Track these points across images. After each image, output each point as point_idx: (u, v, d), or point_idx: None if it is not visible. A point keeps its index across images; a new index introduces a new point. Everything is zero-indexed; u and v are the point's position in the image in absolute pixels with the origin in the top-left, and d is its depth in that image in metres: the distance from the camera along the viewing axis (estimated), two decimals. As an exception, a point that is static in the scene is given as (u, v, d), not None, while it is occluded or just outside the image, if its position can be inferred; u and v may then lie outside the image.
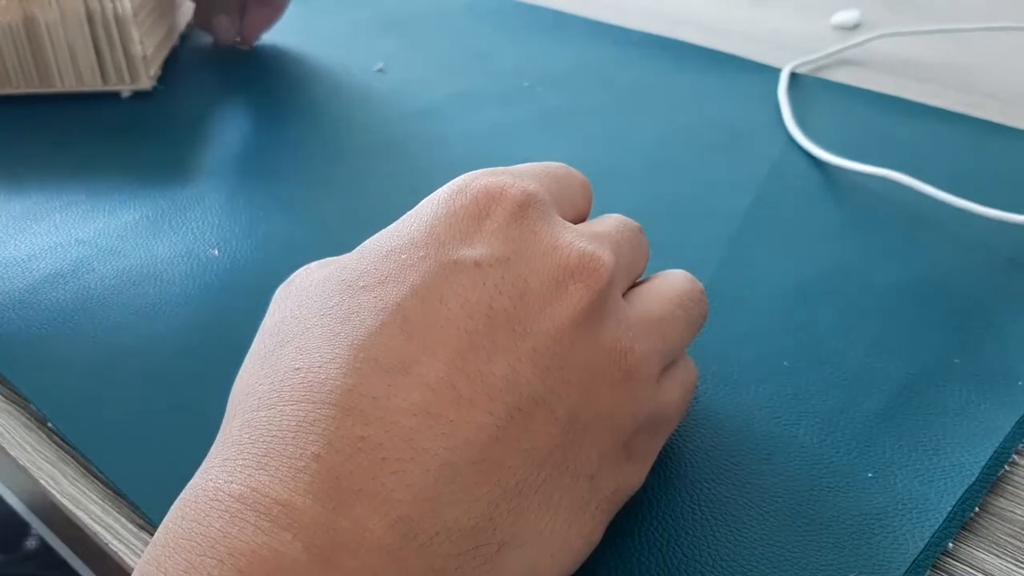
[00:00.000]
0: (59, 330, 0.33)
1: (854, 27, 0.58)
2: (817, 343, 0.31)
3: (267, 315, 0.24)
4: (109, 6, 0.47)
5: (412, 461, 0.18)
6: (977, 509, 0.25)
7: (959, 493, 0.25)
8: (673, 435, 0.27)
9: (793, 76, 0.51)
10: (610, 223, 0.25)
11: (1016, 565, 0.24)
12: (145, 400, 0.29)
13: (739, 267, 0.35)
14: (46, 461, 0.28)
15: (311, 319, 0.21)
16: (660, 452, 0.26)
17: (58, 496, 0.27)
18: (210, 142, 0.46)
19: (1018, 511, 0.25)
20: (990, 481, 0.26)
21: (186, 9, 0.59)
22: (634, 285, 0.25)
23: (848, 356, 0.30)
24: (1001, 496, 0.26)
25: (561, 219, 0.23)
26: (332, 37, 0.59)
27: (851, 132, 0.45)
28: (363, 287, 0.21)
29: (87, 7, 0.47)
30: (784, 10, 0.61)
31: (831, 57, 0.53)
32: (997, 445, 0.27)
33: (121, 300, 0.34)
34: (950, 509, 0.25)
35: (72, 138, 0.47)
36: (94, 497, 0.27)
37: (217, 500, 0.18)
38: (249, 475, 0.18)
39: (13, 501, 0.34)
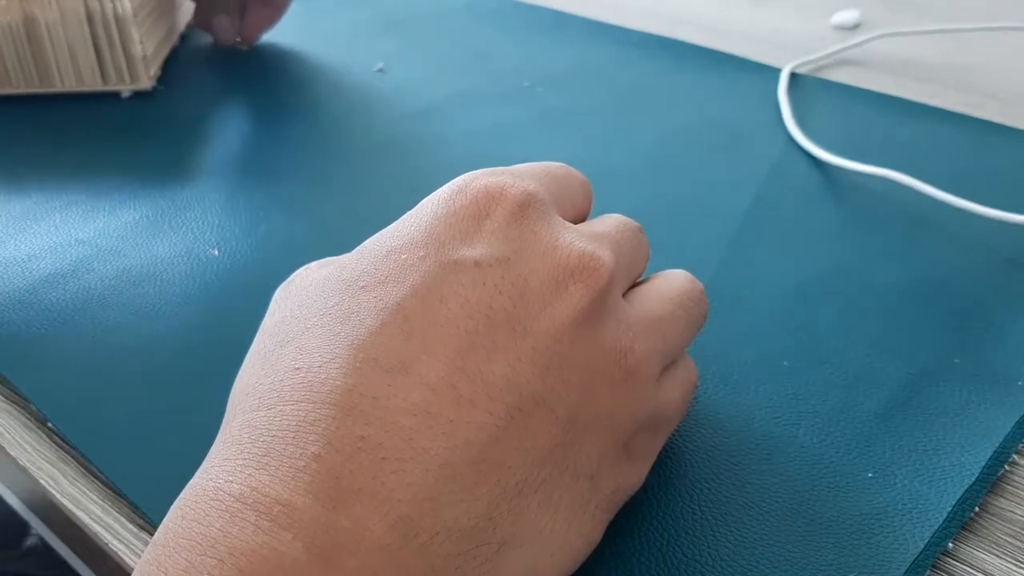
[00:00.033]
0: (59, 330, 0.33)
1: (854, 27, 0.58)
2: (817, 343, 0.31)
3: (267, 315, 0.24)
4: (109, 6, 0.47)
5: (412, 461, 0.18)
6: (977, 509, 0.25)
7: (959, 493, 0.25)
8: (673, 435, 0.27)
9: (793, 76, 0.51)
10: (610, 223, 0.25)
11: (1016, 565, 0.24)
12: (145, 400, 0.29)
13: (739, 267, 0.35)
14: (46, 461, 0.28)
15: (311, 319, 0.21)
16: (660, 452, 0.26)
17: (58, 496, 0.27)
18: (210, 142, 0.46)
19: (1018, 511, 0.25)
20: (990, 481, 0.26)
21: (186, 9, 0.59)
22: (634, 285, 0.25)
23: (848, 356, 0.30)
24: (1001, 496, 0.26)
25: (561, 219, 0.23)
26: (332, 37, 0.59)
27: (851, 132, 0.45)
28: (363, 287, 0.21)
29: (87, 7, 0.47)
30: (784, 10, 0.61)
31: (831, 57, 0.53)
32: (997, 445, 0.27)
33: (121, 300, 0.34)
34: (950, 509, 0.25)
35: (72, 138, 0.47)
36: (94, 497, 0.27)
37: (217, 500, 0.18)
38: (249, 475, 0.18)
39: (13, 501, 0.34)
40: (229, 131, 0.47)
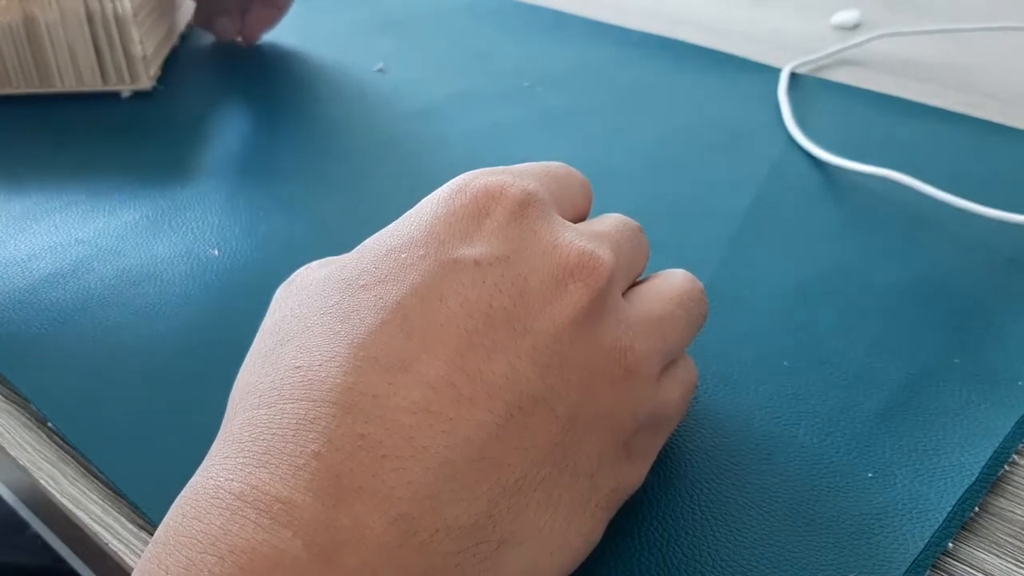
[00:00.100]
0: (59, 330, 0.33)
1: (854, 27, 0.58)
2: (817, 343, 0.31)
3: (267, 314, 0.24)
4: (109, 6, 0.47)
5: (412, 459, 0.18)
6: (977, 509, 0.25)
7: (959, 493, 0.25)
8: (673, 435, 0.27)
9: (793, 76, 0.51)
10: (610, 222, 0.25)
11: (1016, 565, 0.24)
12: (145, 400, 0.29)
13: (739, 267, 0.35)
14: (46, 461, 0.28)
15: (311, 318, 0.21)
16: (660, 452, 0.26)
17: (58, 496, 0.27)
18: (210, 142, 0.46)
19: (1018, 511, 0.25)
20: (990, 481, 0.26)
21: (186, 9, 0.59)
22: (634, 284, 0.25)
23: (848, 356, 0.30)
24: (1001, 496, 0.26)
25: (561, 218, 0.23)
26: (332, 37, 0.59)
27: (851, 132, 0.45)
28: (363, 286, 0.21)
29: (87, 7, 0.47)
30: (784, 10, 0.61)
31: (831, 57, 0.53)
32: (997, 445, 0.27)
33: (121, 300, 0.34)
34: (950, 509, 0.25)
35: (72, 138, 0.47)
36: (94, 497, 0.27)
37: (218, 498, 0.18)
38: (249, 473, 0.18)
39: (13, 501, 0.34)
40: (229, 131, 0.47)
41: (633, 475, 0.23)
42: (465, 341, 0.20)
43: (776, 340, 0.31)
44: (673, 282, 0.25)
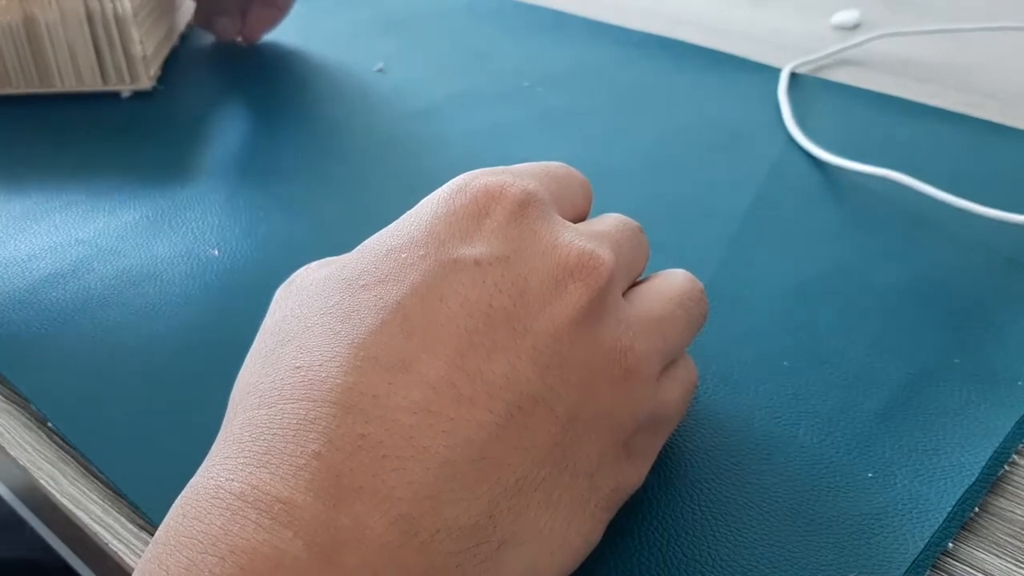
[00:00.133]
0: (59, 330, 0.33)
1: (854, 27, 0.58)
2: (817, 343, 0.31)
3: (268, 314, 0.24)
4: (109, 6, 0.47)
5: (412, 459, 0.18)
6: (977, 509, 0.25)
7: (959, 493, 0.25)
8: (673, 435, 0.27)
9: (793, 76, 0.51)
10: (610, 222, 0.25)
11: (1016, 565, 0.24)
12: (145, 400, 0.29)
13: (739, 267, 0.35)
14: (46, 461, 0.28)
15: (311, 318, 0.21)
16: (660, 452, 0.26)
17: (58, 496, 0.27)
18: (210, 142, 0.46)
19: (1018, 511, 0.25)
20: (990, 481, 0.26)
21: (186, 9, 0.59)
22: (634, 284, 0.25)
23: (848, 356, 0.30)
24: (1001, 496, 0.26)
25: (561, 218, 0.23)
26: (332, 37, 0.59)
27: (851, 132, 0.45)
28: (363, 286, 0.21)
29: (87, 7, 0.47)
30: (784, 10, 0.61)
31: (831, 57, 0.53)
32: (997, 445, 0.27)
33: (121, 300, 0.34)
34: (950, 509, 0.25)
35: (72, 138, 0.47)
36: (94, 497, 0.27)
37: (218, 498, 0.18)
38: (250, 473, 0.18)
39: (13, 501, 0.34)
40: (229, 131, 0.47)
41: (633, 475, 0.23)
42: (465, 341, 0.20)
43: (776, 340, 0.31)
44: (673, 282, 0.25)
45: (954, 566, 0.24)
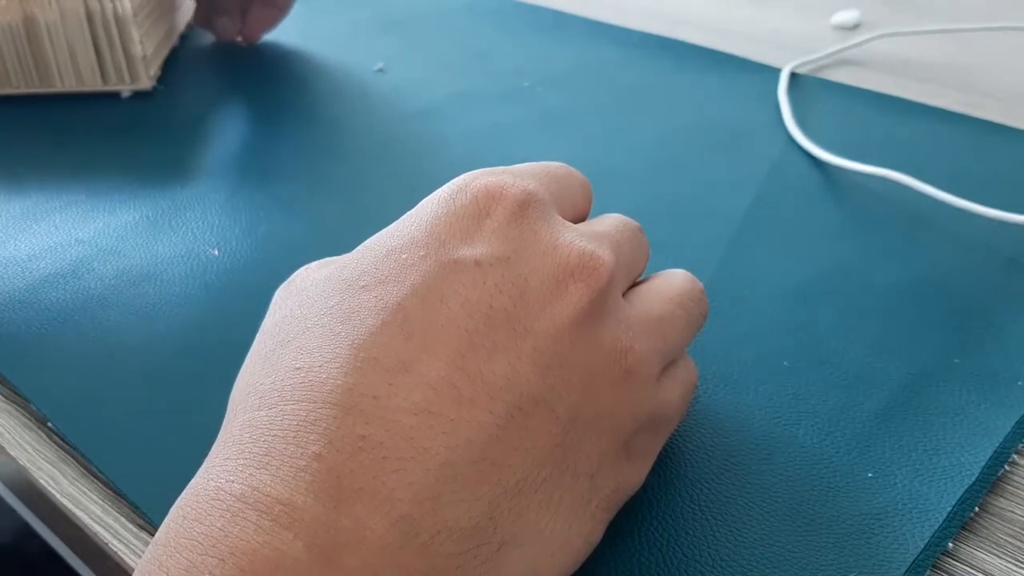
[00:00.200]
0: (59, 330, 0.33)
1: (854, 27, 0.58)
2: (817, 343, 0.31)
3: (268, 315, 0.24)
4: (109, 6, 0.47)
5: (413, 460, 0.18)
6: (977, 509, 0.25)
7: (959, 493, 0.25)
8: (673, 435, 0.27)
9: (793, 76, 0.51)
10: (610, 223, 0.25)
11: (1016, 565, 0.24)
12: (145, 400, 0.29)
13: (739, 267, 0.35)
14: (46, 461, 0.28)
15: (311, 319, 0.21)
16: (660, 452, 0.26)
17: (58, 496, 0.27)
18: (210, 142, 0.46)
19: (1018, 511, 0.25)
20: (990, 481, 0.26)
21: (186, 9, 0.59)
22: (634, 285, 0.25)
23: (848, 356, 0.30)
24: (1001, 496, 0.26)
25: (561, 219, 0.23)
26: (332, 37, 0.59)
27: (851, 132, 0.45)
28: (363, 287, 0.21)
29: (87, 7, 0.47)
30: (784, 10, 0.61)
31: (831, 57, 0.53)
32: (997, 445, 0.27)
33: (121, 300, 0.34)
34: (950, 509, 0.25)
35: (72, 138, 0.47)
36: (94, 497, 0.27)
37: (218, 499, 0.18)
38: (250, 474, 0.18)
39: (13, 501, 0.34)
40: (229, 131, 0.47)
41: (633, 475, 0.23)
42: (466, 342, 0.20)
43: (776, 340, 0.31)
44: (673, 282, 0.25)
45: (954, 566, 0.24)
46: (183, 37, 0.59)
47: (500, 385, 0.20)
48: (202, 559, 0.17)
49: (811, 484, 0.26)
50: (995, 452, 0.26)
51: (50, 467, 0.28)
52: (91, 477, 0.28)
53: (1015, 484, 0.26)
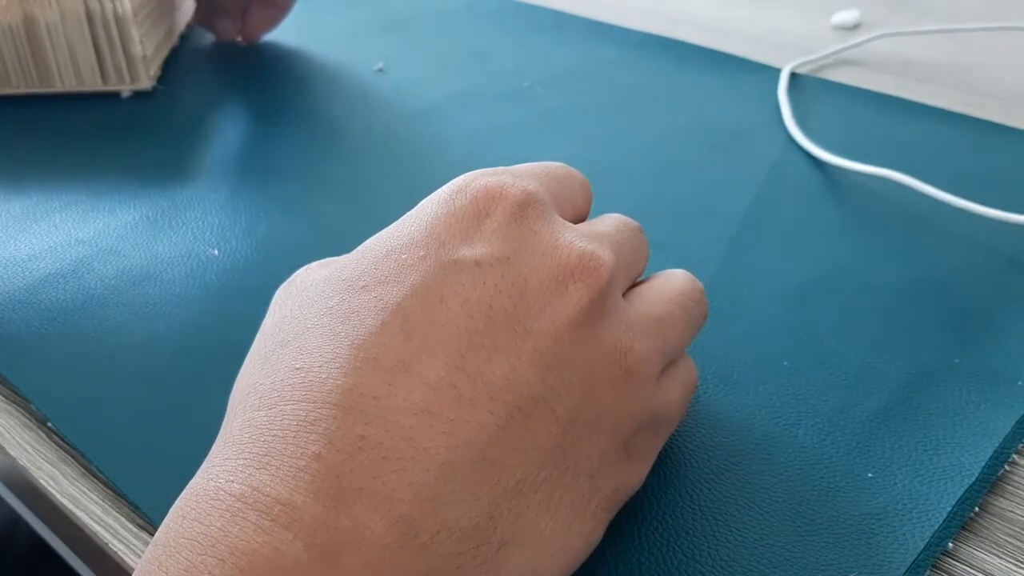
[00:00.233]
0: (59, 330, 0.33)
1: (854, 27, 0.58)
2: (817, 343, 0.31)
3: (268, 315, 0.24)
4: (109, 6, 0.47)
5: (413, 460, 0.18)
6: (977, 509, 0.25)
7: (959, 493, 0.25)
8: (673, 435, 0.27)
9: (793, 76, 0.51)
10: (610, 223, 0.25)
11: (1016, 565, 0.24)
12: (145, 400, 0.29)
13: (739, 267, 0.35)
14: (46, 461, 0.28)
15: (311, 319, 0.21)
16: (660, 452, 0.26)
17: (58, 496, 0.27)
18: (210, 142, 0.46)
19: (1018, 511, 0.25)
20: (990, 481, 0.26)
21: (186, 9, 0.59)
22: (634, 285, 0.25)
23: (848, 356, 0.30)
24: (1001, 496, 0.26)
25: (561, 219, 0.23)
26: (332, 37, 0.59)
27: (851, 132, 0.45)
28: (363, 287, 0.21)
29: (87, 7, 0.47)
30: (784, 10, 0.61)
31: (831, 57, 0.53)
32: (997, 445, 0.27)
33: (121, 300, 0.34)
34: (950, 509, 0.25)
35: (72, 138, 0.47)
36: (94, 497, 0.27)
37: (218, 499, 0.18)
38: (250, 474, 0.18)
39: (13, 501, 0.34)
40: (229, 131, 0.47)
41: (633, 475, 0.23)
42: (465, 342, 0.20)
43: (776, 340, 0.31)
44: (673, 282, 0.25)
45: (954, 566, 0.24)
46: (183, 37, 0.59)
47: (500, 385, 0.20)
48: (202, 559, 0.17)
49: (811, 484, 0.26)
50: (995, 452, 0.26)
51: (50, 467, 0.28)
52: (91, 477, 0.28)
53: (1015, 484, 0.26)
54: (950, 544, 0.24)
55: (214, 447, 0.20)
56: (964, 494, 0.25)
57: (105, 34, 0.48)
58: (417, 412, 0.19)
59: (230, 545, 0.17)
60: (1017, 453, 0.27)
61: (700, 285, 0.26)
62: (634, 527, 0.25)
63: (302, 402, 0.19)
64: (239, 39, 0.58)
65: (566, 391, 0.21)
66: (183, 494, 0.19)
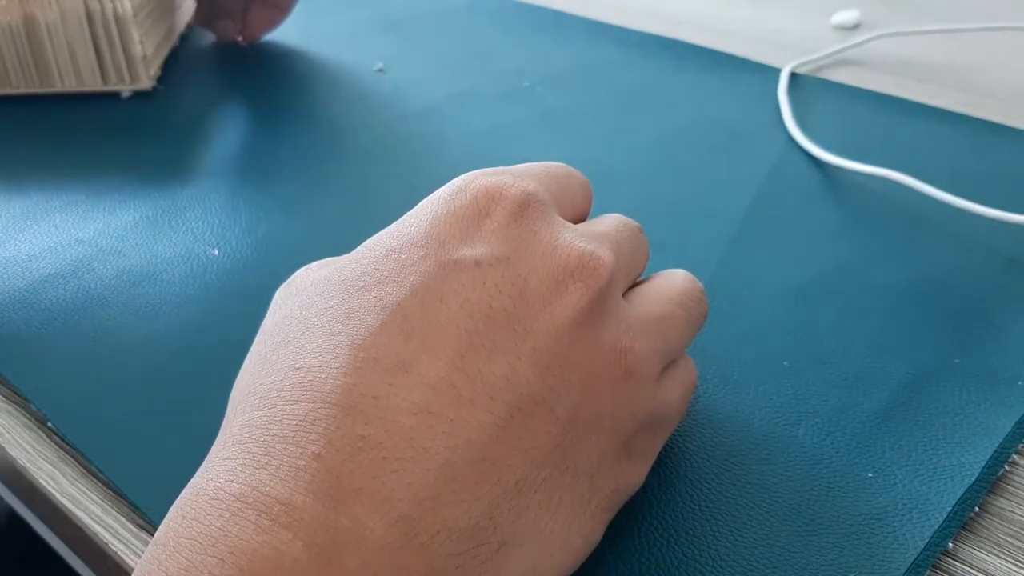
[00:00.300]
0: (59, 330, 0.33)
1: (854, 27, 0.58)
2: (817, 343, 0.31)
3: (268, 315, 0.24)
4: (109, 6, 0.47)
5: (413, 460, 0.18)
6: (977, 509, 0.25)
7: (959, 493, 0.25)
8: (673, 435, 0.27)
9: (793, 76, 0.51)
10: (610, 223, 0.25)
11: (1016, 565, 0.24)
12: (145, 400, 0.29)
13: (739, 267, 0.35)
14: (46, 461, 0.28)
15: (311, 319, 0.21)
16: (660, 452, 0.26)
17: (58, 496, 0.27)
18: (210, 142, 0.46)
19: (1018, 511, 0.25)
20: (990, 481, 0.26)
21: (186, 9, 0.59)
22: (634, 285, 0.25)
23: (848, 356, 0.30)
24: (1001, 496, 0.26)
25: (561, 219, 0.23)
26: (332, 37, 0.59)
27: (851, 132, 0.45)
28: (363, 287, 0.21)
29: (87, 7, 0.47)
30: (784, 10, 0.61)
31: (831, 57, 0.53)
32: (997, 445, 0.27)
33: (121, 300, 0.34)
34: (950, 509, 0.25)
35: (72, 138, 0.47)
36: (94, 497, 0.27)
37: (218, 499, 0.18)
38: (250, 474, 0.18)
39: (13, 501, 0.34)
40: (229, 131, 0.47)
41: (633, 475, 0.23)
42: (465, 342, 0.20)
43: (776, 340, 0.31)
44: (673, 282, 0.25)
45: (954, 566, 0.24)
46: (183, 37, 0.59)
47: (500, 385, 0.20)
48: (201, 559, 0.17)
49: (811, 484, 0.26)
50: (995, 452, 0.26)
51: (50, 467, 0.28)
52: (91, 477, 0.28)
53: (1015, 484, 0.26)
54: (950, 544, 0.24)
55: (214, 447, 0.20)
56: (964, 494, 0.25)
57: (105, 34, 0.48)
58: (417, 412, 0.19)
59: (230, 545, 0.17)
60: (1017, 453, 0.27)
61: (700, 285, 0.26)
62: (634, 527, 0.25)
63: (302, 402, 0.19)
64: (239, 39, 0.58)
65: (566, 391, 0.21)
66: (183, 494, 0.19)
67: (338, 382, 0.19)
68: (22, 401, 0.30)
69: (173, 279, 0.35)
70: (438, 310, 0.20)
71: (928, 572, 0.24)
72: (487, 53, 0.56)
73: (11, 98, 0.50)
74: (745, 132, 0.45)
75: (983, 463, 0.26)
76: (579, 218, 0.26)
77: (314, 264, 0.24)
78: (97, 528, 0.26)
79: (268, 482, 0.18)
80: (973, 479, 0.25)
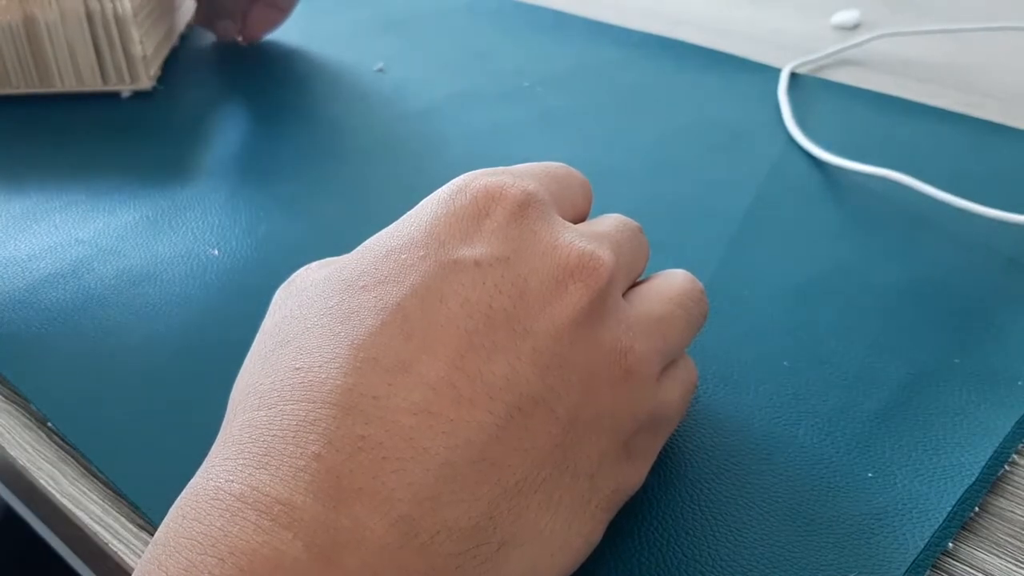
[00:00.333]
0: (59, 330, 0.33)
1: (854, 27, 0.58)
2: (817, 343, 0.31)
3: (267, 315, 0.24)
4: (109, 6, 0.47)
5: (413, 460, 0.18)
6: (977, 509, 0.25)
7: (959, 493, 0.25)
8: (673, 435, 0.27)
9: (793, 76, 0.51)
10: (610, 223, 0.25)
11: (1016, 565, 0.24)
12: (145, 400, 0.29)
13: (739, 267, 0.35)
14: (46, 461, 0.28)
15: (311, 319, 0.21)
16: (660, 452, 0.26)
17: (58, 496, 0.27)
18: (210, 142, 0.46)
19: (1018, 511, 0.25)
20: (990, 481, 0.26)
21: (186, 9, 0.59)
22: (634, 285, 0.25)
23: (848, 356, 0.30)
24: (1001, 496, 0.26)
25: (561, 219, 0.23)
26: (332, 37, 0.59)
27: (851, 132, 0.45)
28: (363, 287, 0.21)
29: (87, 7, 0.47)
30: (784, 10, 0.61)
31: (831, 57, 0.53)
32: (997, 445, 0.27)
33: (121, 300, 0.34)
34: (950, 509, 0.25)
35: (72, 138, 0.47)
36: (94, 497, 0.27)
37: (218, 499, 0.18)
38: (250, 474, 0.18)
39: (13, 501, 0.34)
40: (229, 131, 0.47)
41: (633, 475, 0.23)
42: (465, 342, 0.20)
43: (776, 340, 0.31)
44: (673, 282, 0.25)
45: (954, 566, 0.24)
46: (183, 37, 0.59)
47: (500, 385, 0.20)
48: (201, 559, 0.17)
49: (811, 484, 0.26)
50: (995, 452, 0.26)
51: (50, 467, 0.28)
52: (91, 477, 0.28)
53: (1015, 484, 0.26)
54: (950, 544, 0.24)
55: (214, 447, 0.20)
56: (964, 494, 0.25)
57: (105, 34, 0.48)
58: (417, 412, 0.19)
59: (230, 545, 0.17)
60: (1017, 453, 0.27)
61: (700, 285, 0.26)
62: (634, 527, 0.25)
63: (302, 402, 0.19)
64: (239, 39, 0.58)
65: (566, 391, 0.21)
66: (183, 494, 0.19)
67: (338, 382, 0.19)
68: (22, 401, 0.30)
69: (173, 279, 0.35)
70: (438, 310, 0.20)
71: (928, 572, 0.24)
72: (487, 53, 0.56)
73: (11, 98, 0.50)
74: (745, 132, 0.45)
75: (983, 463, 0.26)
76: (579, 218, 0.26)
77: (314, 264, 0.24)
78: (97, 528, 0.26)
79: (268, 482, 0.18)
80: (973, 479, 0.25)
